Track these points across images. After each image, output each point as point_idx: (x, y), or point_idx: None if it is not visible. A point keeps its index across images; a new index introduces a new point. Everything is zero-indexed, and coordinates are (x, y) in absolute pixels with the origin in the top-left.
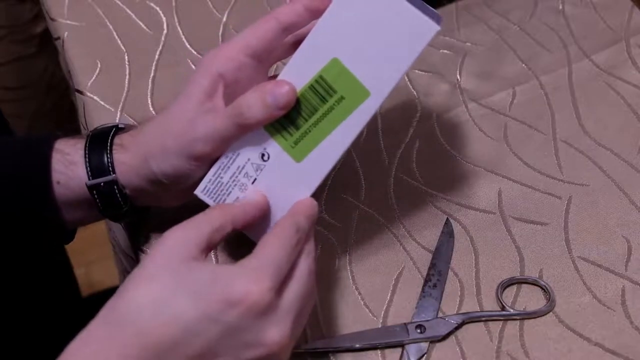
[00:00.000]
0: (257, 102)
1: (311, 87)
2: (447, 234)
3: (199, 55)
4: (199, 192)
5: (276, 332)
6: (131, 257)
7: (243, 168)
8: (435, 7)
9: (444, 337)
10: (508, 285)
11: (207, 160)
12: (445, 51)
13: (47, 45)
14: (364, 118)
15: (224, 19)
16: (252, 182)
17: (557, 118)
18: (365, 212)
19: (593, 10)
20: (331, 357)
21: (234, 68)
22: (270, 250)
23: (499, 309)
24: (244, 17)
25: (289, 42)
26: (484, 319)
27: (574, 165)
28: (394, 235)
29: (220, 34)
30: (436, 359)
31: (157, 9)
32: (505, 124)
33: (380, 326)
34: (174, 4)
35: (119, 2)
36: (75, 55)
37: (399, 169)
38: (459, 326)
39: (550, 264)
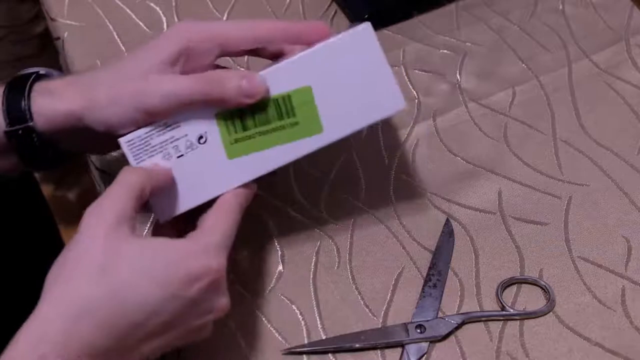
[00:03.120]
0: (233, 80)
1: (275, 101)
2: (447, 234)
3: None
4: (123, 141)
5: (225, 299)
6: None
7: (176, 140)
8: (435, 7)
9: (444, 337)
10: (508, 285)
11: (154, 118)
12: (445, 51)
13: (47, 45)
14: (306, 149)
15: (224, 19)
16: (178, 157)
17: (557, 118)
18: (365, 212)
19: (593, 10)
20: (331, 357)
21: (202, 50)
22: (223, 225)
23: (499, 309)
24: (244, 17)
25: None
26: (484, 319)
27: (574, 165)
28: (394, 236)
29: None
30: (436, 359)
31: (157, 9)
32: (505, 124)
33: (380, 326)
34: (174, 4)
35: (119, 2)
36: (75, 55)
37: (399, 169)
38: (459, 326)
39: (550, 264)
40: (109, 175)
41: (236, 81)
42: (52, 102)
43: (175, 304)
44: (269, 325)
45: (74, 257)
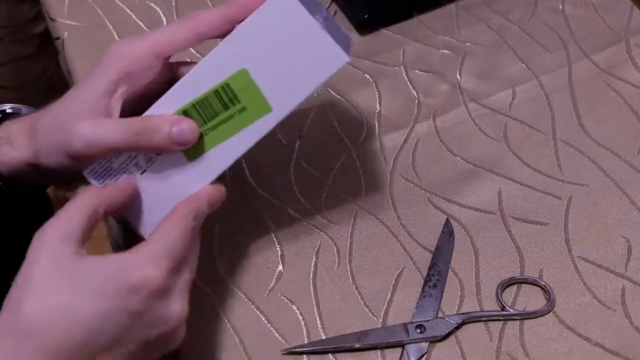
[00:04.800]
0: (162, 129)
1: (216, 92)
2: (447, 234)
3: (198, 55)
4: (86, 173)
5: (177, 306)
6: None
7: (135, 157)
8: (435, 7)
9: (444, 337)
10: (508, 285)
11: (88, 161)
12: (445, 51)
13: (47, 45)
14: (262, 131)
15: None
16: (142, 173)
17: (557, 118)
18: (365, 212)
19: (593, 10)
20: (331, 357)
21: (143, 69)
22: (166, 234)
23: (499, 309)
24: None
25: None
26: (484, 319)
27: (574, 165)
28: (394, 235)
29: None
30: (436, 359)
31: (157, 9)
32: (505, 124)
33: (380, 326)
34: (174, 4)
35: (119, 2)
36: (75, 55)
37: (399, 169)
38: (459, 326)
39: (550, 264)
40: None
41: (165, 129)
42: (10, 151)
43: (117, 319)
44: (269, 325)
45: (20, 281)
